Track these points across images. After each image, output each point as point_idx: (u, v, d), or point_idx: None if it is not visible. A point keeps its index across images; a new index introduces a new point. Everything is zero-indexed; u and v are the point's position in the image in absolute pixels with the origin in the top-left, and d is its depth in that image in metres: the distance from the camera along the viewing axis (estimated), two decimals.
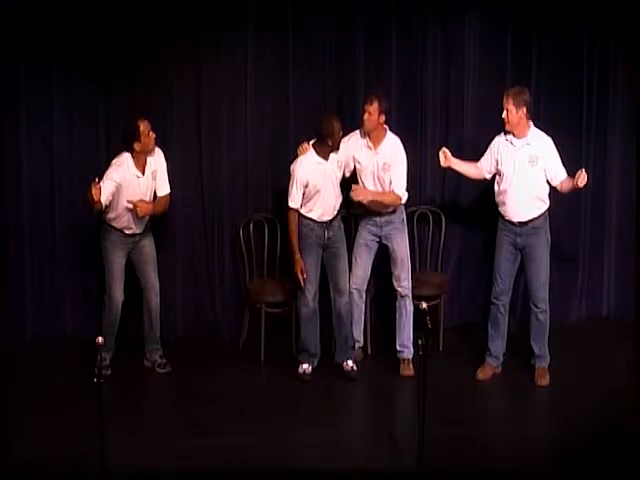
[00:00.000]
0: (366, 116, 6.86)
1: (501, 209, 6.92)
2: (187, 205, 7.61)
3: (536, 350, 6.99)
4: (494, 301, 7.01)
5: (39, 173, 7.43)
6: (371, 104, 6.83)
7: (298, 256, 6.92)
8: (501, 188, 6.89)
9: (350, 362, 7.11)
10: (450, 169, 7.08)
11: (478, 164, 7.02)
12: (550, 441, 6.14)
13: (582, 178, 6.59)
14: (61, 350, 7.36)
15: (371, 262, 7.19)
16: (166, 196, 6.99)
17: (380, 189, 7.00)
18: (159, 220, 7.20)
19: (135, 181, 6.78)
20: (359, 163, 7.04)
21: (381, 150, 6.98)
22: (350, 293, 7.16)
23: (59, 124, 7.39)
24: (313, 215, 6.93)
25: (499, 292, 6.98)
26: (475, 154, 7.23)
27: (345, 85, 7.65)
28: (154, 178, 6.87)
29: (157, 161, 6.89)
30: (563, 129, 7.39)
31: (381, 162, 6.97)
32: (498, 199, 6.93)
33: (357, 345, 7.29)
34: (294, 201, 6.88)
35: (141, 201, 6.77)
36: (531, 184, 6.80)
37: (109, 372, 6.73)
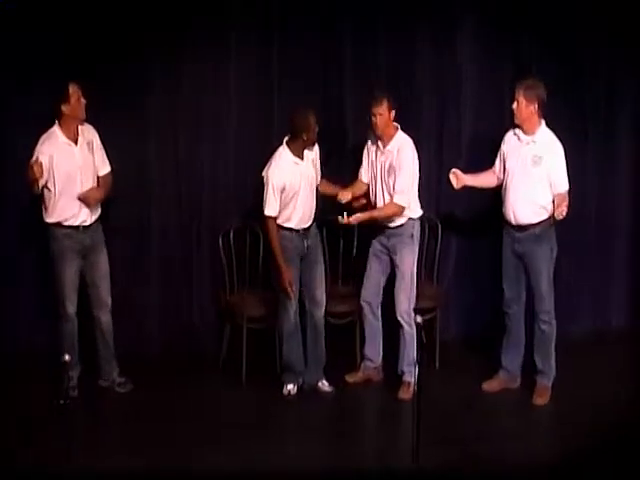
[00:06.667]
0: (377, 119, 6.70)
1: (502, 208, 6.77)
2: (164, 212, 7.46)
3: (538, 364, 6.81)
4: (504, 310, 6.89)
5: None
6: (380, 105, 6.67)
7: (285, 267, 6.66)
8: (503, 184, 6.77)
9: (325, 382, 6.94)
10: (466, 187, 6.90)
11: (493, 168, 6.88)
12: (537, 469, 5.88)
13: (562, 209, 6.40)
14: (17, 366, 7.14)
15: (383, 275, 6.99)
16: (108, 175, 6.78)
17: (387, 195, 6.79)
18: (134, 227, 7.14)
19: (67, 150, 6.57)
20: (371, 166, 6.88)
21: (389, 150, 6.79)
22: (360, 307, 7.04)
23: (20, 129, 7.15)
24: (291, 224, 6.71)
25: (508, 301, 6.85)
26: (472, 158, 7.28)
27: (331, 86, 7.50)
28: (90, 150, 6.66)
29: (91, 132, 6.69)
30: (565, 132, 7.02)
31: (387, 164, 6.79)
32: (502, 197, 6.78)
33: (372, 364, 7.11)
34: (272, 208, 6.65)
35: (89, 191, 6.60)
36: (531, 185, 6.61)
37: (76, 393, 6.52)
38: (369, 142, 6.89)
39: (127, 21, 7.06)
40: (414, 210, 6.84)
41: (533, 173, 6.55)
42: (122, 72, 7.15)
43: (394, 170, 6.72)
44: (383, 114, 6.65)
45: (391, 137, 6.75)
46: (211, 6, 7.22)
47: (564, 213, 6.41)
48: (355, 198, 6.87)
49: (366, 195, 6.94)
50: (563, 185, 6.56)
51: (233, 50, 7.33)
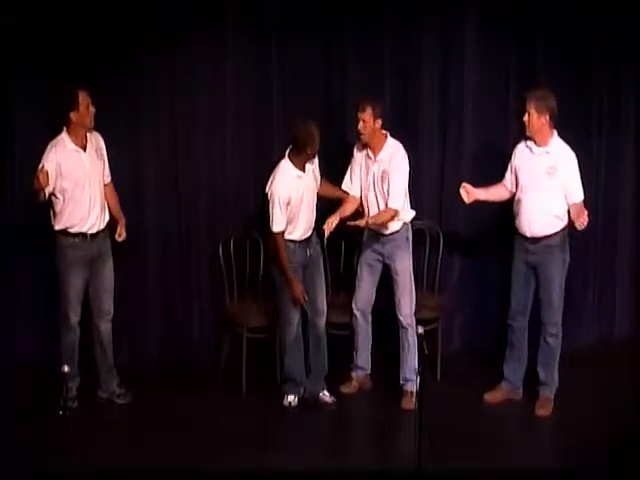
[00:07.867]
0: (361, 125, 6.60)
1: (515, 221, 6.69)
2: (162, 220, 7.38)
3: (542, 376, 6.74)
4: (509, 322, 6.83)
5: None
6: (364, 111, 6.57)
7: (294, 279, 6.59)
8: (516, 197, 6.68)
9: (327, 393, 6.86)
10: (477, 202, 6.79)
11: (503, 181, 6.77)
12: None
13: (583, 220, 6.33)
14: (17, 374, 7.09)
15: (375, 283, 6.96)
16: (112, 186, 6.79)
17: (382, 203, 6.72)
18: (132, 236, 6.96)
19: (75, 157, 6.50)
20: (363, 176, 6.79)
21: (381, 158, 6.70)
22: (353, 316, 6.98)
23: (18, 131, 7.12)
24: (295, 236, 6.65)
25: (513, 313, 6.79)
26: (474, 167, 7.24)
27: (332, 87, 7.39)
28: (100, 157, 6.63)
29: (99, 141, 6.65)
30: (571, 137, 6.89)
31: (380, 171, 6.70)
32: (514, 210, 6.70)
33: (364, 373, 7.09)
34: (279, 224, 6.56)
35: (121, 226, 6.71)
36: (546, 196, 6.53)
37: (75, 404, 6.34)
38: (356, 153, 6.80)
39: (125, 21, 7.00)
40: (408, 212, 6.77)
41: (548, 184, 6.49)
42: (119, 75, 7.12)
43: (387, 175, 6.65)
44: (367, 121, 6.57)
45: (382, 145, 6.68)
46: (208, 6, 7.13)
47: (585, 223, 6.34)
48: (345, 217, 6.69)
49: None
50: (579, 195, 6.51)
51: (230, 50, 7.24)
